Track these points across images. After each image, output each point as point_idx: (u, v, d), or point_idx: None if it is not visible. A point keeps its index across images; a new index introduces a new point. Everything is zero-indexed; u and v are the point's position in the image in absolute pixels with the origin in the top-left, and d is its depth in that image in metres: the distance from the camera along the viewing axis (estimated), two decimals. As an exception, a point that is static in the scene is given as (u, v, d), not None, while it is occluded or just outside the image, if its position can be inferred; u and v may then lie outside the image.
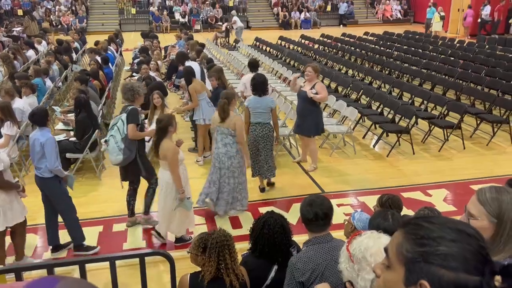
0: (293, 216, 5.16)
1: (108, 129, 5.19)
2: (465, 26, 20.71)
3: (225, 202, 5.37)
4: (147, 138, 5.39)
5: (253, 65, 7.84)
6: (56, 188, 4.51)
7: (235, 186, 5.36)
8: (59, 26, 23.14)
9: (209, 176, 5.45)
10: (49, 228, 4.69)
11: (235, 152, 5.26)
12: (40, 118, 4.48)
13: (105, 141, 4.99)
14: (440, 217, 1.11)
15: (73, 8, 24.06)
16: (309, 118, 6.41)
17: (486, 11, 19.99)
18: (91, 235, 4.98)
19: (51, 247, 4.74)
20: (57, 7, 24.01)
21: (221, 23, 21.36)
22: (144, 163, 5.08)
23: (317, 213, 2.67)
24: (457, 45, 15.04)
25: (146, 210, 5.22)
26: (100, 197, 6.08)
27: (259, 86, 5.87)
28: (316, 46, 16.75)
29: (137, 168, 5.05)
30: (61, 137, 6.83)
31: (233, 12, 21.85)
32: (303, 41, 17.37)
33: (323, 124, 6.70)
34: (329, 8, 26.76)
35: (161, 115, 4.75)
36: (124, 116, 4.94)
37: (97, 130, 6.57)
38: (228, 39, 19.73)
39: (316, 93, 6.24)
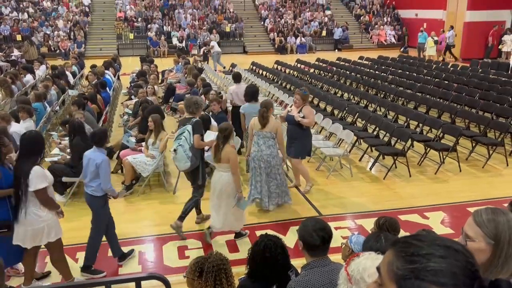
0: (290, 239, 5.14)
1: (174, 139, 5.55)
2: (440, 50, 21.20)
3: (276, 195, 6.02)
4: (206, 148, 5.83)
5: (236, 77, 8.93)
6: (101, 207, 4.74)
7: (281, 182, 6.02)
8: (57, 51, 23.36)
9: (253, 180, 6.00)
10: (111, 242, 4.96)
11: (277, 152, 5.92)
12: (100, 139, 4.73)
13: (174, 150, 5.34)
14: (429, 235, 1.13)
15: (72, 33, 24.33)
16: (298, 141, 6.53)
17: (448, 34, 21.09)
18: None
19: (117, 257, 4.98)
20: (56, 32, 24.28)
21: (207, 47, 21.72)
22: (203, 172, 5.49)
23: (324, 237, 2.68)
24: (451, 69, 15.25)
25: (182, 216, 5.43)
26: (95, 221, 6.01)
27: (253, 95, 7.10)
28: (311, 70, 16.94)
29: (197, 174, 5.47)
30: (55, 158, 6.84)
31: (212, 36, 22.37)
32: (298, 65, 17.57)
33: (311, 147, 6.90)
34: (324, 33, 27.18)
35: (224, 124, 5.31)
36: (189, 127, 5.41)
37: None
38: (207, 63, 20.06)
39: (303, 117, 6.34)
